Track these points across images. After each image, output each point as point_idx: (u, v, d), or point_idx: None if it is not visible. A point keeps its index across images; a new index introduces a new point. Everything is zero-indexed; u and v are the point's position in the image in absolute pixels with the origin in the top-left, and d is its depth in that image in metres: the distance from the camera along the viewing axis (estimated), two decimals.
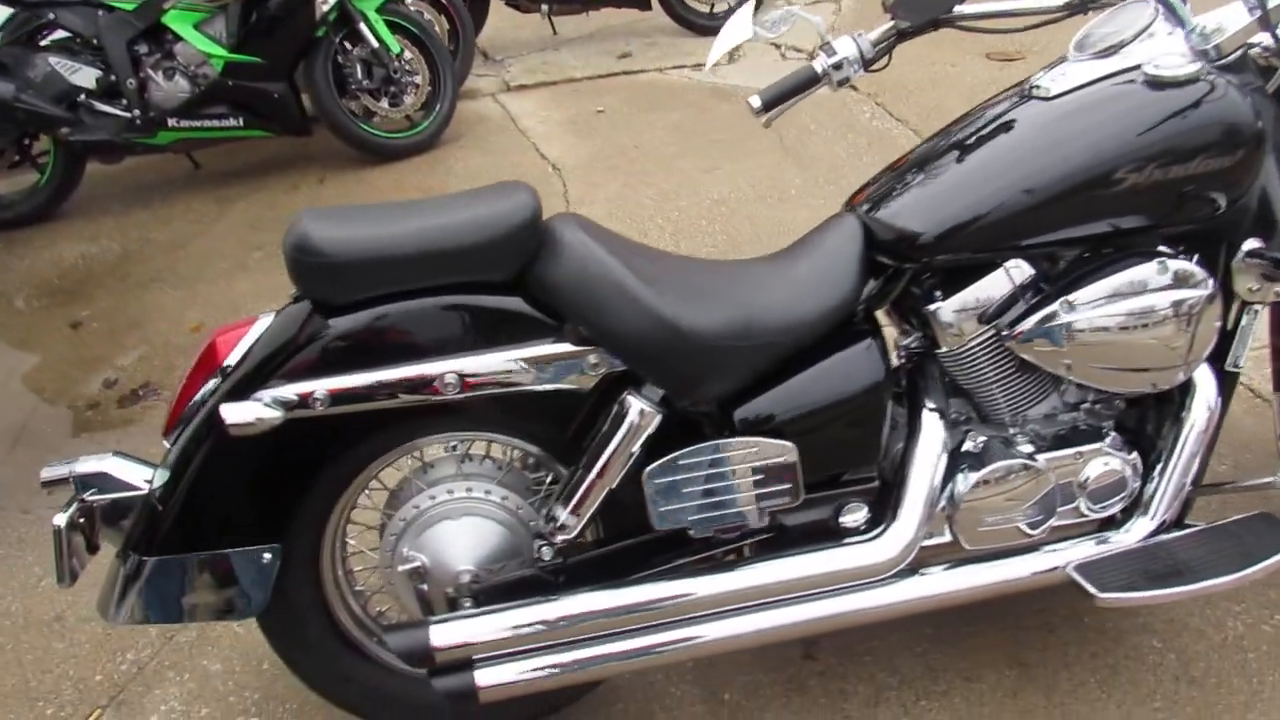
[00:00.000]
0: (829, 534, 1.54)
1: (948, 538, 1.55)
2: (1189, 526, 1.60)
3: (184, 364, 2.93)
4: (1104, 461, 1.54)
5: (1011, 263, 1.51)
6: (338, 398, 1.39)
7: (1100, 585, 1.50)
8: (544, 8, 5.32)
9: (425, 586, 1.53)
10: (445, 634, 1.44)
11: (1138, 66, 1.48)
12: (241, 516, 1.49)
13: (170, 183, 4.34)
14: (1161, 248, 1.49)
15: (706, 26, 5.48)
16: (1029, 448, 1.54)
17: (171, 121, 3.94)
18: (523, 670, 1.45)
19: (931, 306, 1.52)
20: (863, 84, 4.50)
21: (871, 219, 1.55)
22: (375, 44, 4.08)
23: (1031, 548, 1.56)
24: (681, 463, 1.46)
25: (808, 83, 1.72)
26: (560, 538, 1.49)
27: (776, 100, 1.72)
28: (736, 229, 3.37)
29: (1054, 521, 1.55)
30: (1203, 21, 1.53)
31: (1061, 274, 1.52)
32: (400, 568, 1.53)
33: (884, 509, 1.54)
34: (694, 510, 1.48)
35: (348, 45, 4.11)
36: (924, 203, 1.52)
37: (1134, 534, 1.56)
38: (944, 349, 1.54)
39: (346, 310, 1.42)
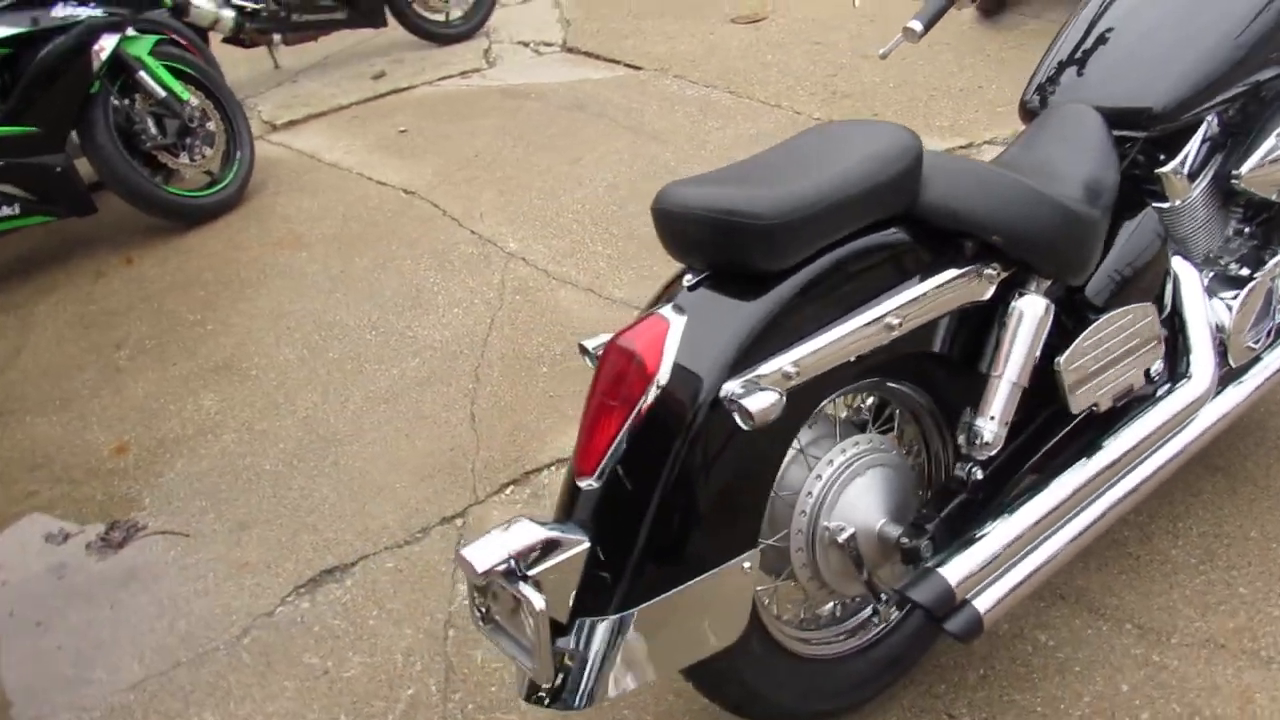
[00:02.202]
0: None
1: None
2: None
3: (137, 489, 2.48)
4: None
5: (1210, 118, 1.77)
6: (806, 365, 1.32)
7: None
8: (274, 38, 4.88)
9: (860, 553, 1.49)
10: (955, 572, 1.42)
11: None
12: (728, 523, 1.35)
13: None
14: None
15: (447, 35, 5.34)
16: (1247, 269, 1.82)
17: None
18: (1007, 586, 1.47)
19: (1165, 169, 1.74)
20: (647, 66, 4.69)
21: (1105, 102, 1.72)
22: (161, 92, 3.54)
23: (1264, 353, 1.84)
24: (1086, 343, 1.55)
25: (949, 2, 1.90)
26: (986, 454, 1.52)
27: (932, 21, 1.88)
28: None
29: (1274, 324, 1.85)
30: None
31: (1248, 119, 1.80)
32: (839, 538, 1.47)
33: (1174, 357, 1.73)
34: (1102, 385, 1.58)
35: (126, 99, 3.52)
36: (1147, 77, 1.72)
37: None
38: (1175, 203, 1.76)
39: (776, 276, 1.34)
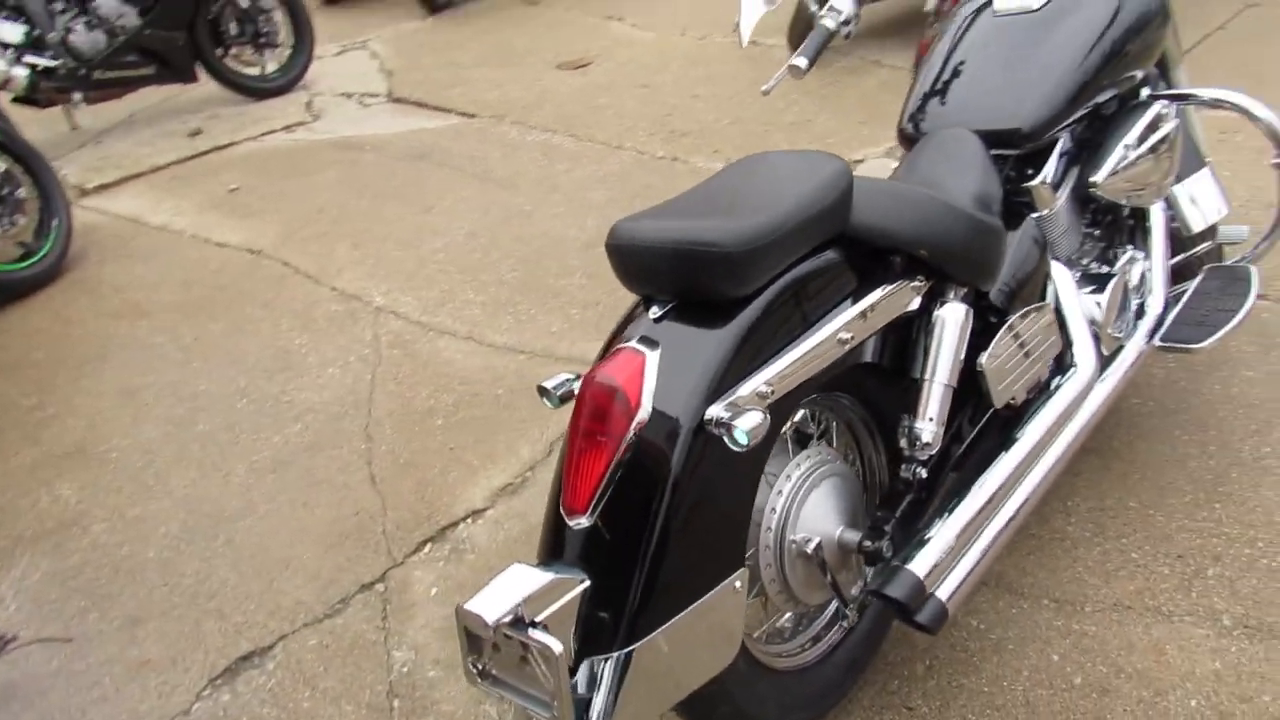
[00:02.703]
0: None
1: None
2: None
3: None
4: (1134, 259, 2.09)
5: (1064, 135, 1.97)
6: (777, 384, 1.38)
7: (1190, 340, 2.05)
8: (74, 97, 4.54)
9: (825, 561, 1.55)
10: (922, 565, 1.49)
11: None
12: (719, 545, 1.38)
13: None
14: (1152, 93, 2.07)
15: (263, 89, 5.15)
16: (1105, 266, 2.03)
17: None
18: (962, 573, 1.57)
19: (1034, 182, 1.92)
20: (481, 113, 4.70)
21: (980, 125, 1.88)
22: None
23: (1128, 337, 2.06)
24: (1001, 343, 1.68)
25: (828, 37, 2.04)
26: (928, 453, 1.62)
27: (813, 58, 2.02)
28: (521, 250, 3.40)
29: (1130, 315, 2.07)
30: None
31: (1094, 134, 2.02)
32: (807, 550, 1.53)
33: (1062, 351, 1.91)
34: (1017, 380, 1.71)
35: None
36: (1014, 102, 1.90)
37: (1158, 301, 2.12)
38: (1045, 211, 1.94)
39: (738, 303, 1.39)
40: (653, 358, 1.36)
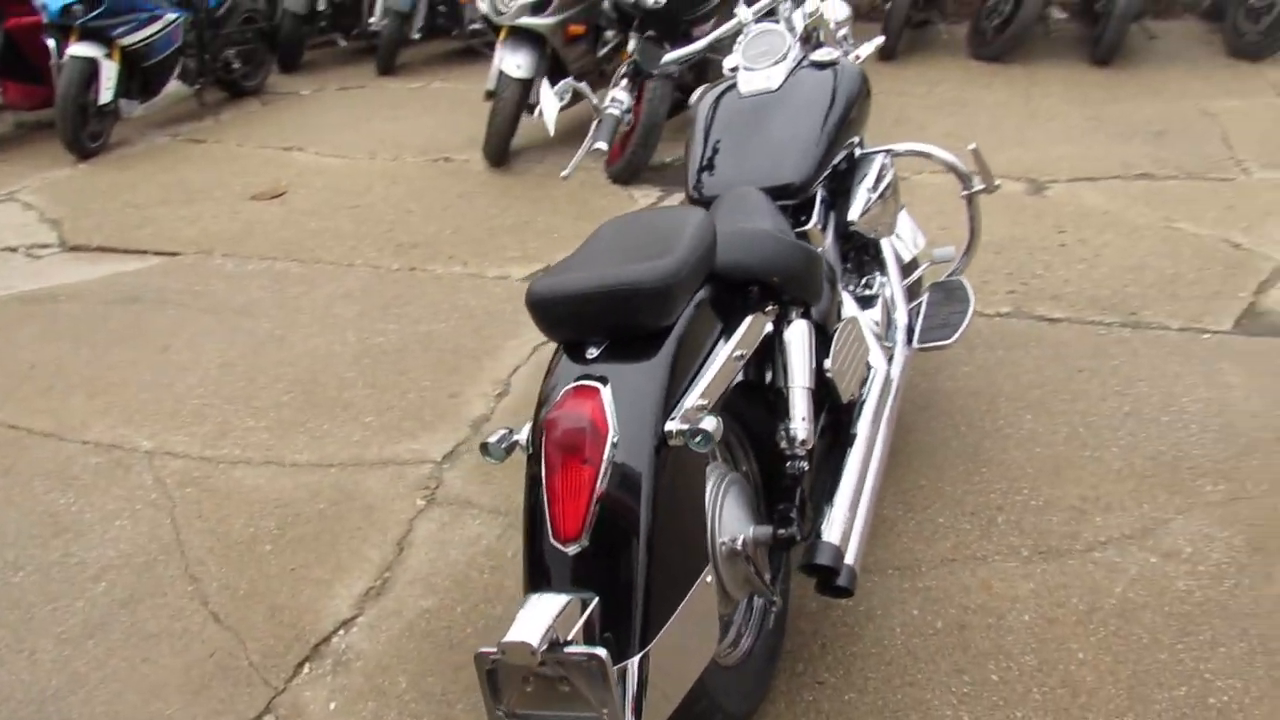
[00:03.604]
0: None
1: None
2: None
3: None
4: (882, 283, 2.55)
5: (819, 185, 2.39)
6: (708, 396, 1.59)
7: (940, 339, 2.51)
8: None
9: (750, 557, 1.76)
10: (833, 535, 1.74)
11: (807, 60, 2.48)
12: (690, 546, 1.53)
13: None
14: (865, 150, 2.55)
15: None
16: (869, 289, 2.46)
17: None
18: (857, 538, 1.83)
19: (807, 227, 2.30)
20: (185, 250, 4.49)
21: (762, 182, 2.24)
22: None
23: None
24: (837, 349, 1.99)
25: (616, 123, 2.35)
26: (805, 448, 1.88)
27: (611, 141, 2.33)
28: (288, 372, 3.30)
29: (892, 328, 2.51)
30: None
31: (839, 183, 2.45)
32: (736, 548, 1.72)
33: None
34: (852, 378, 2.03)
35: None
36: (784, 163, 2.28)
37: (903, 315, 2.59)
38: (819, 249, 2.34)
39: (660, 334, 1.59)
40: (605, 391, 1.52)
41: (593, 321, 1.59)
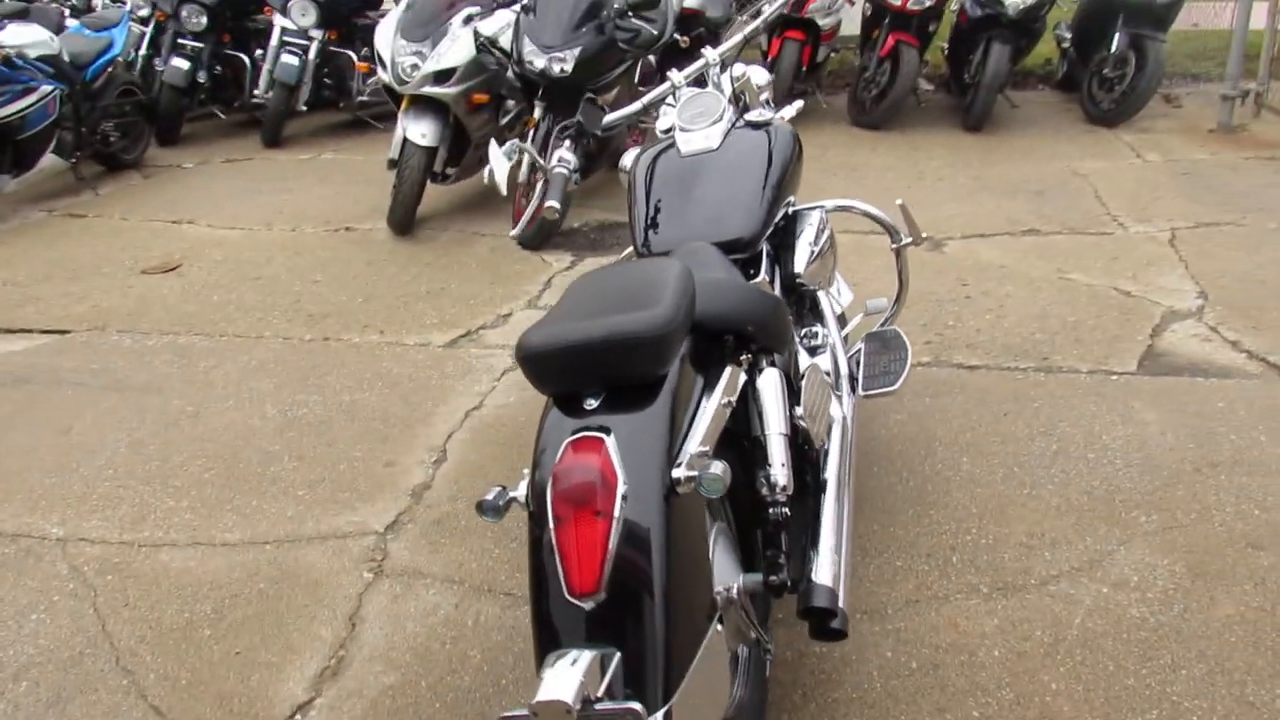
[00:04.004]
0: None
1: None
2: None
3: None
4: (825, 334, 2.61)
5: (765, 241, 2.44)
6: (707, 443, 1.59)
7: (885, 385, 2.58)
8: None
9: (744, 605, 1.75)
10: (824, 578, 1.75)
11: (745, 121, 2.56)
12: (699, 595, 1.52)
13: None
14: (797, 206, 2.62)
15: None
16: (811, 340, 2.52)
17: None
18: (844, 579, 1.84)
19: (757, 280, 2.35)
20: (76, 328, 4.24)
21: (714, 238, 2.28)
22: None
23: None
24: (807, 396, 2.02)
25: (566, 181, 2.38)
26: (786, 494, 1.88)
27: (562, 200, 2.36)
28: (206, 449, 3.13)
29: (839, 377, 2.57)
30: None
31: (779, 239, 2.51)
32: (731, 597, 1.71)
33: None
34: (821, 422, 2.06)
35: None
36: (734, 219, 2.33)
37: (844, 364, 2.66)
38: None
39: (655, 384, 1.58)
40: (610, 441, 1.50)
41: (590, 372, 1.57)
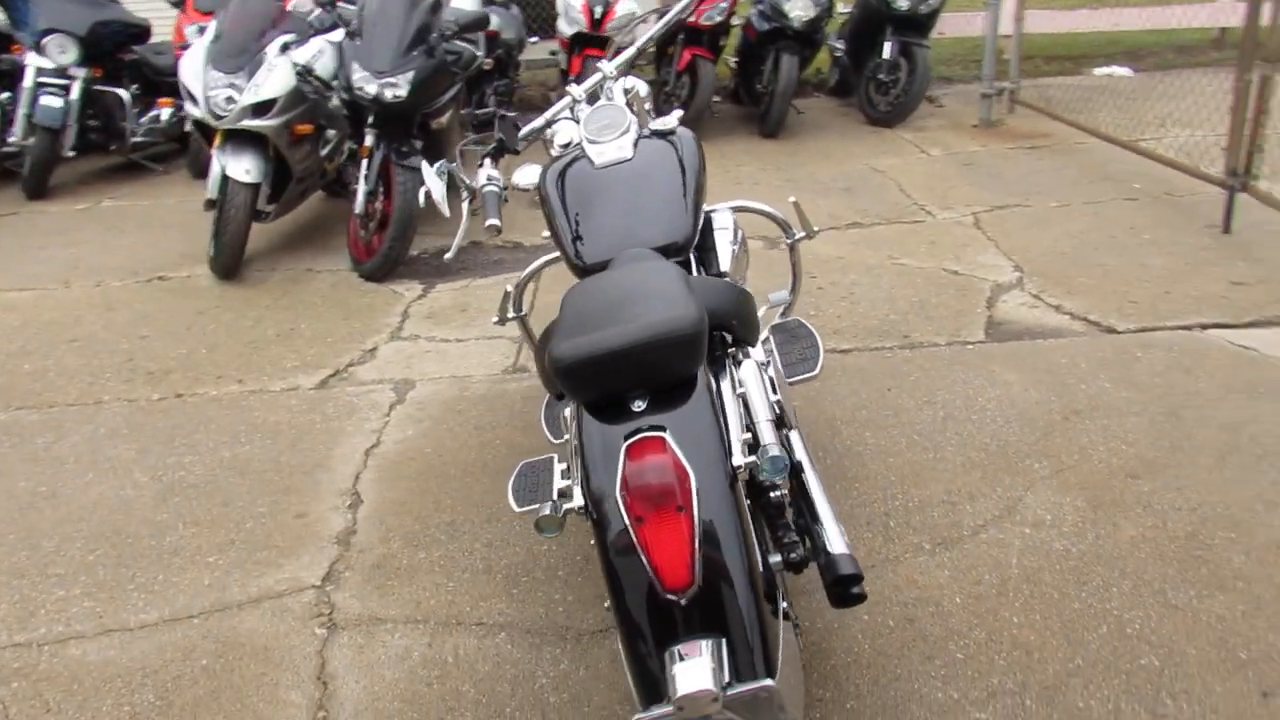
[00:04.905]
0: None
1: None
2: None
3: None
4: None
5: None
6: (748, 433, 1.66)
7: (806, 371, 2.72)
8: None
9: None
10: (839, 545, 1.83)
11: (649, 130, 2.63)
12: (766, 576, 1.56)
13: None
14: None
15: None
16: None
17: None
18: (841, 531, 1.93)
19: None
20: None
21: (651, 243, 2.33)
22: None
23: None
24: (776, 378, 2.11)
25: (499, 198, 2.38)
26: (784, 474, 1.96)
27: (499, 216, 2.34)
28: (81, 529, 2.82)
29: None
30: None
31: (704, 234, 2.60)
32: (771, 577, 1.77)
33: None
34: (789, 400, 2.15)
35: None
36: (668, 223, 2.40)
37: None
38: None
39: (690, 381, 1.63)
40: (669, 438, 1.53)
41: (633, 374, 1.60)
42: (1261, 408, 3.02)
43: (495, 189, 2.38)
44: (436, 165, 2.31)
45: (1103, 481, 2.73)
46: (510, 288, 2.86)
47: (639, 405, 1.60)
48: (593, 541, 1.75)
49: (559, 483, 1.70)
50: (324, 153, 5.21)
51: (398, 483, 3.00)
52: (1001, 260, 4.40)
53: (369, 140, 4.65)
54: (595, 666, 2.20)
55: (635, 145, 2.58)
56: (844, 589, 1.87)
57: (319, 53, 4.90)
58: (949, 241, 4.68)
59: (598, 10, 6.73)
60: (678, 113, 3.10)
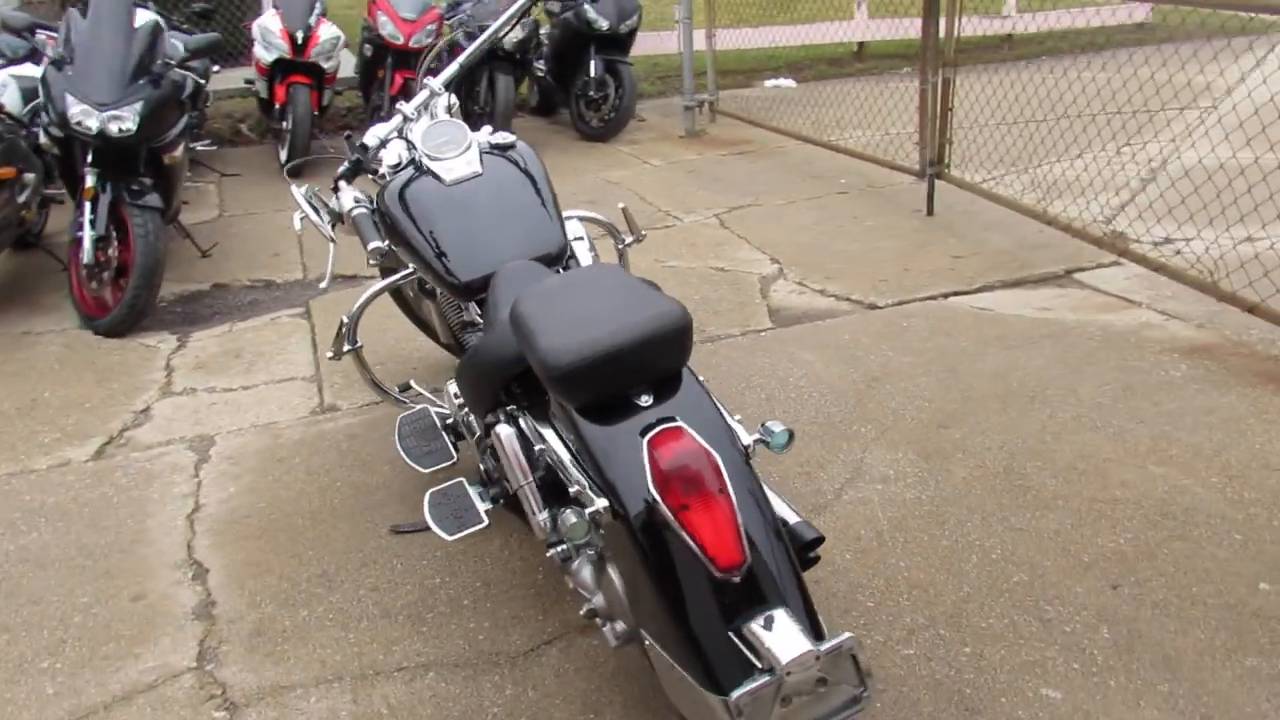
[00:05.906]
0: None
1: None
2: None
3: None
4: None
5: None
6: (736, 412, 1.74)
7: None
8: None
9: None
10: (789, 514, 1.94)
11: (489, 145, 2.61)
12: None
13: None
14: None
15: None
16: None
17: None
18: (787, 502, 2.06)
19: None
20: None
21: (529, 255, 2.33)
22: None
23: None
24: None
25: (371, 220, 2.31)
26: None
27: (382, 239, 2.27)
28: None
29: None
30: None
31: None
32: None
33: None
34: None
35: None
36: (539, 234, 2.40)
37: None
38: None
39: (678, 374, 1.69)
40: (685, 425, 1.58)
41: (631, 373, 1.63)
42: (1016, 356, 3.56)
43: (365, 210, 2.27)
44: (304, 189, 2.16)
45: (922, 435, 3.09)
46: (345, 319, 2.72)
47: (645, 400, 1.63)
48: (601, 544, 1.75)
49: (572, 488, 1.68)
50: (21, 199, 4.55)
51: (242, 543, 2.74)
52: (758, 255, 4.78)
53: (90, 181, 4.13)
54: (542, 685, 2.17)
55: (481, 159, 2.56)
56: (810, 551, 2.01)
57: (2, 85, 4.29)
58: (705, 241, 5.00)
59: (299, 35, 6.42)
60: (505, 133, 3.10)
